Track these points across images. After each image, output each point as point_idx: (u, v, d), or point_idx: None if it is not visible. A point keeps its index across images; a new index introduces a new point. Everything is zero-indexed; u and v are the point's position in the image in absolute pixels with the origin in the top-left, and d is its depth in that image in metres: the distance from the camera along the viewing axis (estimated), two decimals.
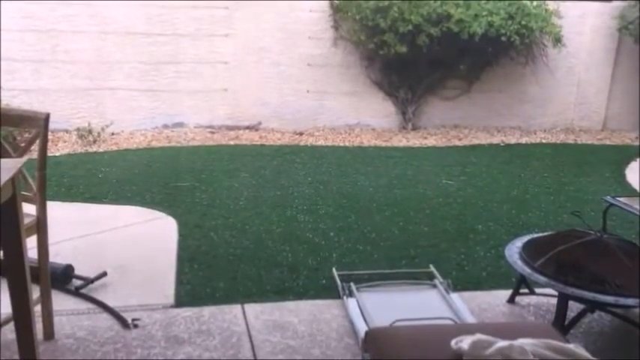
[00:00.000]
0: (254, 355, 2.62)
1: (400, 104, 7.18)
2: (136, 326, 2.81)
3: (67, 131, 6.46)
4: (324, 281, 3.29)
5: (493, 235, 4.02)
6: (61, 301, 2.96)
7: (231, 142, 6.45)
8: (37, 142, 2.62)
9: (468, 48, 6.60)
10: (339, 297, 3.09)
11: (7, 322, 2.44)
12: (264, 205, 4.50)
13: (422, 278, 3.29)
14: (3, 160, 2.48)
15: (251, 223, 4.14)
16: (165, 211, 4.30)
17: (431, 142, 6.72)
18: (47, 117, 2.58)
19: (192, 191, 4.77)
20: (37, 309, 2.58)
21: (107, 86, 6.65)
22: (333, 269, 3.36)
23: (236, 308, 2.99)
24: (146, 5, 6.55)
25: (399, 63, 6.79)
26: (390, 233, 4.03)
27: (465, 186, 5.13)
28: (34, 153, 2.67)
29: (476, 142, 6.78)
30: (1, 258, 2.28)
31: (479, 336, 1.85)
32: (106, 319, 2.87)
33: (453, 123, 7.34)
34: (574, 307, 2.79)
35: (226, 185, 4.95)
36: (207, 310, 2.96)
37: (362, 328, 2.70)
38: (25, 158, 2.40)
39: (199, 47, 6.75)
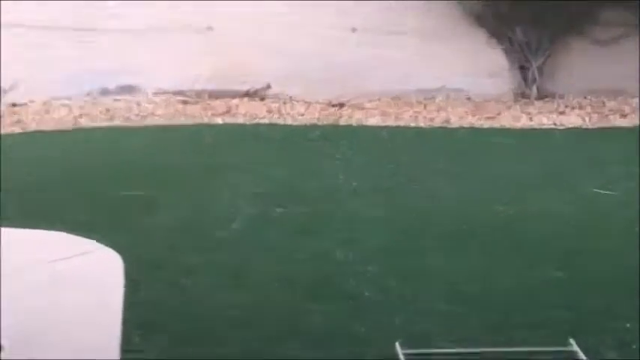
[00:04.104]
0: None
1: (517, 53, 7.16)
2: None
3: None
4: None
5: None
6: None
7: (218, 120, 6.53)
8: None
9: None
10: None
11: None
12: (276, 231, 4.51)
13: None
14: None
15: (253, 262, 4.15)
16: (103, 240, 4.32)
17: (572, 120, 6.70)
18: None
19: (151, 205, 4.82)
20: None
21: None
22: (397, 345, 3.33)
23: None
24: None
25: None
26: (494, 282, 4.00)
27: (634, 199, 5.06)
28: None
29: None
30: None
31: None
32: None
33: (613, 86, 7.27)
34: None
35: (209, 194, 4.99)
36: None
37: None
38: None
39: None
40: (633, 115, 6.84)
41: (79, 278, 3.99)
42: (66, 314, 3.64)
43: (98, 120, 6.48)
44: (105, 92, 6.92)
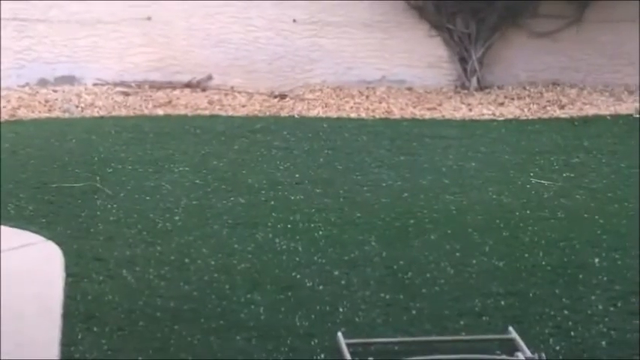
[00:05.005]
0: None
1: (457, 44, 7.21)
2: None
3: None
4: (322, 356, 3.28)
5: (620, 275, 4.00)
6: None
7: (159, 112, 6.49)
8: None
9: None
10: None
11: None
12: (217, 222, 4.51)
13: (495, 350, 3.28)
14: None
15: (194, 253, 4.13)
16: (43, 232, 4.29)
17: (511, 110, 6.74)
18: None
19: (91, 197, 4.79)
20: None
21: None
22: (339, 335, 3.34)
23: None
24: None
25: None
26: (438, 271, 4.02)
27: (570, 189, 5.11)
28: None
29: (590, 110, 6.78)
30: None
31: None
32: None
33: (551, 78, 7.35)
34: None
35: (151, 186, 4.97)
36: None
37: None
38: None
39: None
40: (571, 106, 6.92)
41: (18, 271, 3.93)
42: (4, 308, 3.59)
43: (37, 111, 6.40)
44: (44, 83, 6.86)
